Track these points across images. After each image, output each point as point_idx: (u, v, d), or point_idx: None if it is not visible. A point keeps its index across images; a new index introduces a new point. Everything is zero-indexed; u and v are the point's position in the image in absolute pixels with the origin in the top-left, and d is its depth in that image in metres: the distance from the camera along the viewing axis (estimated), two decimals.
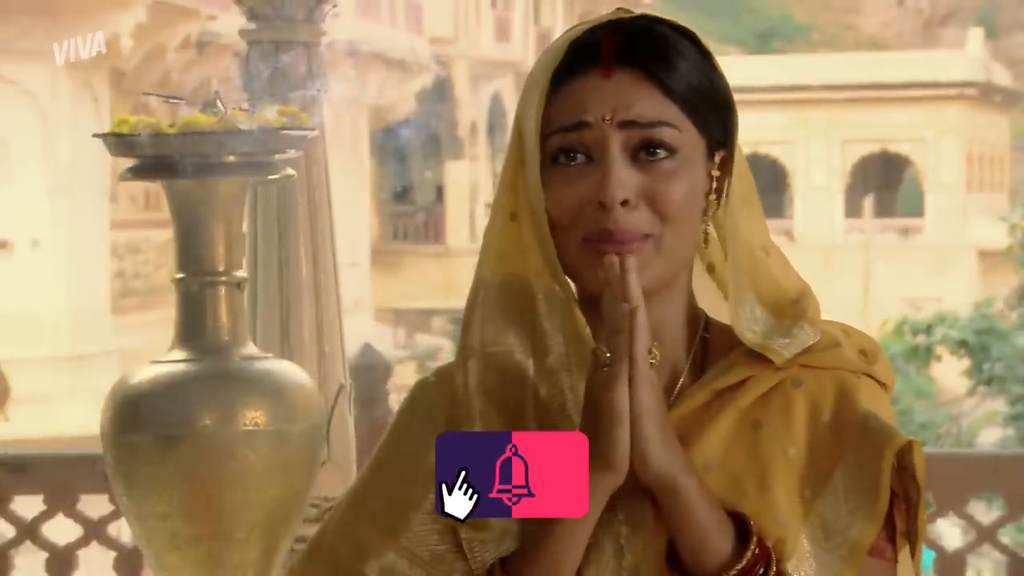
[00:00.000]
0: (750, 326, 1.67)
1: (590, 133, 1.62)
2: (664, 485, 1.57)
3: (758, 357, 1.67)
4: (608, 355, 1.55)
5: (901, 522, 1.66)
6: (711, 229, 1.71)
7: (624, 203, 1.60)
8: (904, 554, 1.68)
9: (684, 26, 1.67)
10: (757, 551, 1.59)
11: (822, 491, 1.63)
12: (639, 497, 1.61)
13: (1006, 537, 5.17)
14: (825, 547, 1.62)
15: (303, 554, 1.74)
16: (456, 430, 1.67)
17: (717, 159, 1.67)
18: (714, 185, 1.67)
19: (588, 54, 1.64)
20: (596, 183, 1.61)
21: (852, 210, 35.79)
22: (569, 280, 1.66)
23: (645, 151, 1.62)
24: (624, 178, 1.60)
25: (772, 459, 1.64)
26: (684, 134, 1.63)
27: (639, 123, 1.61)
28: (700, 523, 1.58)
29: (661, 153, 1.62)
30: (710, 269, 1.76)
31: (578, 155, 1.62)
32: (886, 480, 1.62)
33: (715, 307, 1.75)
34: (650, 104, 1.62)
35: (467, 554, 1.64)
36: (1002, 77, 39.87)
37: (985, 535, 4.86)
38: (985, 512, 8.35)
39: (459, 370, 1.69)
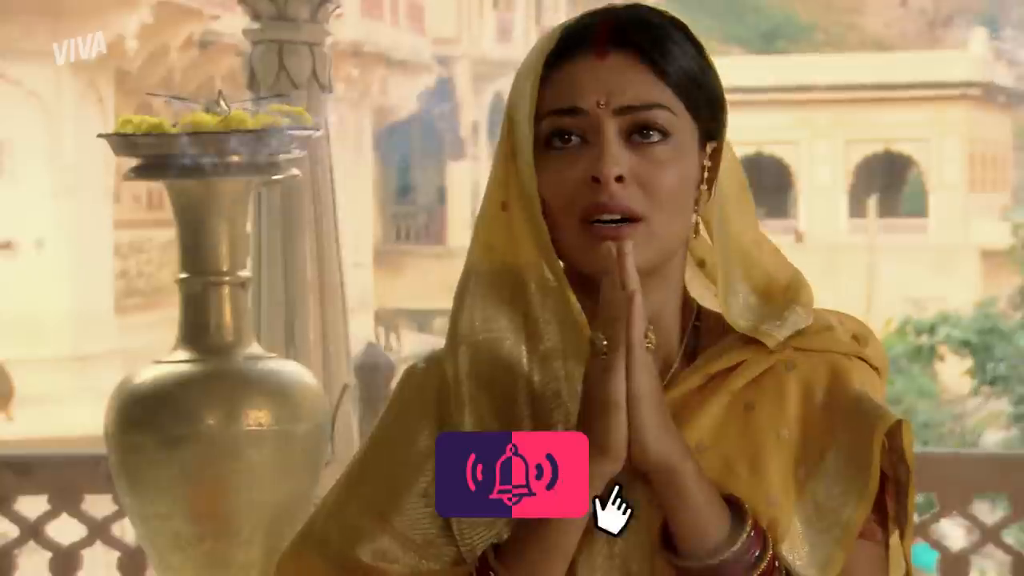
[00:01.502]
0: (742, 314, 1.68)
1: (584, 119, 1.63)
2: (661, 470, 1.58)
3: (751, 342, 1.68)
4: (605, 343, 1.55)
5: (892, 506, 1.67)
6: (703, 222, 1.72)
7: (619, 179, 1.61)
8: (895, 538, 1.68)
9: (677, 18, 1.68)
10: (752, 534, 1.60)
11: (815, 472, 1.64)
12: (631, 483, 1.61)
13: (1010, 537, 5.15)
14: (818, 528, 1.63)
15: (294, 539, 1.73)
16: (446, 415, 1.68)
17: (709, 150, 1.68)
18: (705, 176, 1.68)
19: (582, 38, 1.65)
20: (591, 161, 1.62)
21: (856, 210, 35.78)
22: (563, 265, 1.67)
23: (639, 133, 1.63)
24: (619, 156, 1.61)
25: (764, 440, 1.65)
26: (678, 118, 1.64)
27: (633, 107, 1.62)
28: (696, 507, 1.59)
29: (654, 136, 1.63)
30: (701, 264, 1.77)
31: (572, 137, 1.63)
32: (876, 460, 1.63)
33: (703, 299, 1.76)
34: (644, 87, 1.63)
35: (457, 538, 1.65)
36: (1005, 77, 39.86)
37: (989, 535, 4.86)
38: (989, 512, 8.35)
39: (449, 357, 1.68)
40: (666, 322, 1.68)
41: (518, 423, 1.65)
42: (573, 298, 1.65)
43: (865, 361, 1.70)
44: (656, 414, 1.56)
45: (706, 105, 1.66)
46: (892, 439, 1.64)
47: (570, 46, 1.65)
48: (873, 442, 1.63)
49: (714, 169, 1.68)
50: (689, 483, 1.58)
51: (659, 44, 1.64)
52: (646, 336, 1.56)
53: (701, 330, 1.72)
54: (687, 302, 1.72)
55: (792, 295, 1.70)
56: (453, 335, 1.69)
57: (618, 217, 1.61)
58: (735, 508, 1.61)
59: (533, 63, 1.65)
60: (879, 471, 1.63)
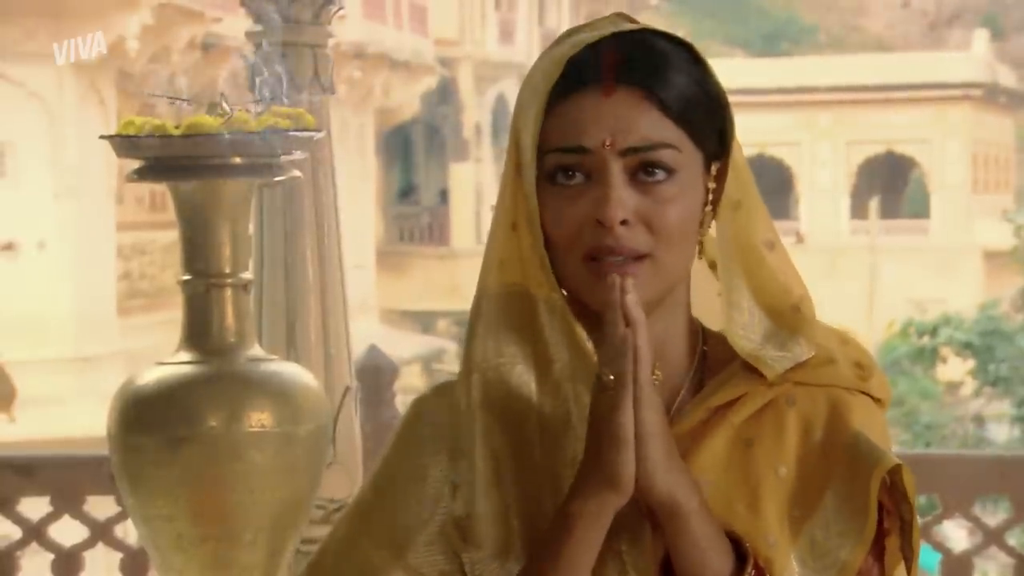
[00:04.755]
0: (746, 331, 1.67)
1: (589, 158, 1.62)
2: (666, 506, 1.58)
3: (754, 371, 1.67)
4: (611, 378, 1.55)
5: (895, 536, 1.66)
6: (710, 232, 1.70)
7: (623, 223, 1.60)
8: (900, 571, 1.68)
9: (679, 36, 1.66)
10: (753, 573, 1.60)
11: (812, 512, 1.64)
12: (639, 514, 1.62)
13: (1012, 539, 5.16)
14: (814, 568, 1.63)
15: (304, 574, 1.73)
16: (458, 444, 1.68)
17: (714, 170, 1.67)
18: (710, 197, 1.67)
19: (587, 71, 1.63)
20: (595, 202, 1.61)
21: (857, 211, 35.80)
22: (568, 294, 1.66)
23: (644, 171, 1.62)
24: (624, 198, 1.60)
25: (763, 478, 1.65)
26: (683, 154, 1.63)
27: (639, 148, 1.61)
28: (700, 544, 1.59)
29: (659, 174, 1.62)
30: (712, 267, 1.74)
31: (577, 174, 1.62)
32: (874, 503, 1.63)
33: (712, 302, 1.74)
34: (649, 125, 1.62)
35: (468, 574, 1.64)
36: (1007, 78, 39.89)
37: (992, 537, 4.85)
38: (991, 514, 8.35)
39: (462, 385, 1.68)
40: (672, 350, 1.68)
41: (529, 451, 1.65)
42: (577, 324, 1.64)
43: (867, 394, 1.69)
44: (663, 450, 1.56)
45: (712, 131, 1.65)
46: (893, 477, 1.64)
47: (575, 78, 1.63)
48: (871, 485, 1.63)
49: (719, 189, 1.67)
50: (693, 520, 1.58)
51: (664, 77, 1.62)
52: (653, 372, 1.56)
53: (708, 355, 1.71)
54: (693, 326, 1.71)
55: (800, 319, 1.68)
56: (466, 362, 1.68)
57: (622, 258, 1.61)
58: (737, 546, 1.61)
59: (537, 90, 1.64)
60: (876, 514, 1.63)
